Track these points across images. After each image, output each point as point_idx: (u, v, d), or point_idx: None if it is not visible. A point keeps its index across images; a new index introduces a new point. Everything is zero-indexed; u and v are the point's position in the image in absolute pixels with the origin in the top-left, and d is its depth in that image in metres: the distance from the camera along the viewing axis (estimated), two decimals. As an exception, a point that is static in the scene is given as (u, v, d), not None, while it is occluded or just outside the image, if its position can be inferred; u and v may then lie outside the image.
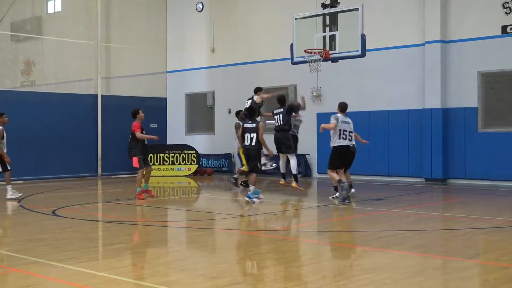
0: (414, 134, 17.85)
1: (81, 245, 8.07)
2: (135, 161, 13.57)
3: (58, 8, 23.22)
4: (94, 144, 21.03)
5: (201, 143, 22.74)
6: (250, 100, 14.97)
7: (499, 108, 16.67)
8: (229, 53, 22.36)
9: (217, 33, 22.66)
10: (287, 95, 20.53)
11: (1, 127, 13.39)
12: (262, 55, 21.25)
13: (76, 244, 8.18)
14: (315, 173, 19.83)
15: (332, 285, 5.96)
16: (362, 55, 14.07)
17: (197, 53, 23.32)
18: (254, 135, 12.57)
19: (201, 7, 23.10)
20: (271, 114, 14.40)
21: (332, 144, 12.51)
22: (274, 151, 13.68)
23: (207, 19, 22.91)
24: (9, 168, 13.50)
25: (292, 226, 10.19)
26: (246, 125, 12.84)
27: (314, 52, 14.52)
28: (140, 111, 14.10)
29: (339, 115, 12.45)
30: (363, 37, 13.82)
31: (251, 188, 12.72)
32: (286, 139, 13.51)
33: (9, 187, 13.55)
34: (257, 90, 15.14)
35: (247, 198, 12.63)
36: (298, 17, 15.14)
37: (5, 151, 13.47)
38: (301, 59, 14.95)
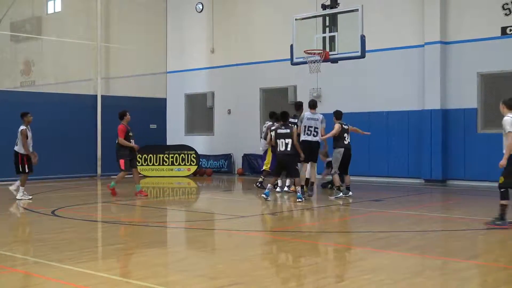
0: (414, 135, 17.86)
1: (81, 245, 8.07)
2: (122, 163, 13.79)
3: (58, 8, 23.22)
4: (94, 145, 21.01)
5: (201, 143, 22.75)
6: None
7: (498, 109, 16.55)
8: (229, 53, 22.37)
9: (217, 34, 22.66)
10: (287, 96, 20.56)
11: (24, 127, 13.30)
12: (262, 56, 21.25)
13: (75, 244, 8.19)
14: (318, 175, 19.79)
15: (332, 286, 5.96)
16: (362, 56, 14.08)
17: (197, 54, 23.33)
18: (289, 140, 12.71)
19: (201, 7, 23.11)
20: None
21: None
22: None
23: (207, 20, 22.92)
24: (26, 170, 13.28)
25: (291, 227, 10.19)
26: (279, 131, 12.92)
27: (314, 53, 14.52)
28: (128, 113, 14.17)
29: (307, 113, 13.32)
30: (362, 38, 13.83)
31: (298, 189, 12.84)
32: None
33: (17, 185, 13.47)
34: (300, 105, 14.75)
35: (298, 200, 12.60)
36: (298, 18, 15.14)
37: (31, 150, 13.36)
38: (301, 59, 14.95)
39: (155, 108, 23.06)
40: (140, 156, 21.25)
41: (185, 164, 21.25)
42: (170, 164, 21.29)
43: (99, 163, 20.97)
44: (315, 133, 13.22)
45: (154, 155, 21.28)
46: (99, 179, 20.50)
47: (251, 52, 21.64)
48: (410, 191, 15.52)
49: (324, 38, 14.65)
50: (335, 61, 15.12)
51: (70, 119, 20.47)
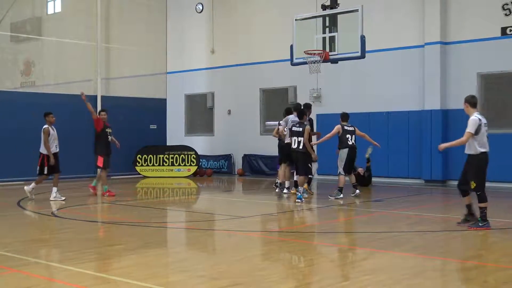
0: (414, 136, 17.87)
1: (81, 246, 8.07)
2: (100, 160, 13.80)
3: (58, 8, 23.22)
4: (94, 145, 20.96)
5: (201, 144, 22.75)
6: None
7: (498, 109, 16.68)
8: (229, 54, 22.37)
9: (217, 34, 22.67)
10: (287, 96, 20.57)
11: (47, 126, 13.26)
12: (262, 56, 21.26)
13: (76, 245, 8.19)
14: (315, 175, 19.78)
15: (332, 287, 5.96)
16: (362, 56, 14.09)
17: (197, 54, 23.33)
18: (301, 138, 12.90)
19: (201, 8, 23.12)
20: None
21: (286, 141, 13.75)
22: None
23: (207, 20, 22.92)
24: (45, 171, 13.20)
25: (292, 227, 10.19)
26: (294, 128, 13.09)
27: (314, 53, 14.53)
28: (102, 113, 14.55)
29: (291, 116, 13.64)
30: (363, 39, 13.84)
31: (300, 189, 12.90)
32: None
33: (32, 185, 13.39)
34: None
35: (297, 200, 12.70)
36: (298, 18, 15.15)
37: (54, 150, 13.18)
38: (301, 60, 14.96)
39: (155, 109, 23.05)
40: (140, 157, 21.27)
41: (185, 165, 21.26)
42: (170, 164, 21.29)
43: (99, 163, 20.93)
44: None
45: (154, 156, 21.29)
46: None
47: (251, 52, 21.65)
48: (411, 192, 15.52)
49: (324, 38, 14.65)
50: (335, 61, 15.12)
51: (70, 120, 20.44)
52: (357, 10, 13.87)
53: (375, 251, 7.70)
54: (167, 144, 23.14)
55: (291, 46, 15.21)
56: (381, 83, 18.55)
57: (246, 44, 21.82)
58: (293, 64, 15.49)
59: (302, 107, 13.78)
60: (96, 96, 21.26)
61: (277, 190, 14.51)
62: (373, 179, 16.82)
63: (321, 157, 18.94)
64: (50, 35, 22.38)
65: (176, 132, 23.63)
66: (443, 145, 9.66)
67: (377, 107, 18.53)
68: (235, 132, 21.99)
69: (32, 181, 13.68)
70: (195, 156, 21.26)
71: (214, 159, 22.35)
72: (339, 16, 14.50)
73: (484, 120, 9.17)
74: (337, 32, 14.44)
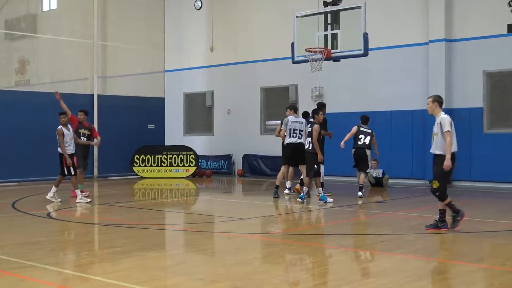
0: (418, 135, 17.87)
1: (77, 249, 8.07)
2: (75, 160, 13.79)
3: (54, 5, 23.22)
4: (90, 145, 20.98)
5: (200, 144, 22.75)
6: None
7: (505, 108, 16.68)
8: (228, 52, 22.38)
9: (216, 32, 22.67)
10: (288, 95, 20.57)
11: (60, 127, 13.24)
12: (263, 54, 21.26)
13: (71, 247, 8.19)
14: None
15: (333, 290, 5.97)
16: (365, 54, 14.09)
17: (196, 52, 23.33)
18: (308, 139, 13.18)
19: (200, 4, 23.12)
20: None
21: (285, 142, 13.80)
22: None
23: (206, 17, 22.93)
24: (66, 173, 13.07)
25: (293, 229, 10.20)
26: (309, 128, 13.40)
27: (316, 51, 14.53)
28: (80, 113, 14.35)
29: (291, 116, 13.69)
30: (365, 36, 13.83)
31: (305, 189, 13.09)
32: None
33: (52, 189, 13.27)
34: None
35: (299, 199, 12.92)
36: (299, 15, 15.14)
37: (69, 151, 13.11)
38: (302, 58, 14.95)
39: (153, 108, 23.08)
40: (138, 157, 21.28)
41: (183, 165, 21.27)
42: (168, 165, 21.30)
43: (95, 164, 20.96)
44: (300, 135, 13.62)
45: (152, 156, 21.29)
46: (96, 180, 20.52)
47: (251, 50, 21.65)
48: (414, 193, 15.52)
49: (326, 36, 14.65)
50: (337, 59, 15.11)
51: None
52: (359, 7, 13.87)
53: (378, 253, 7.70)
54: (165, 144, 23.15)
55: (292, 44, 15.20)
56: (384, 81, 18.55)
57: (246, 42, 21.82)
58: (294, 62, 15.48)
59: (314, 109, 13.83)
60: (92, 95, 21.28)
61: (286, 192, 14.42)
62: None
63: (328, 158, 18.95)
64: (45, 32, 22.40)
65: (174, 131, 23.64)
66: (448, 163, 9.03)
67: (380, 106, 18.54)
68: (235, 132, 21.99)
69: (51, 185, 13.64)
70: (194, 157, 21.27)
71: (214, 160, 22.35)
72: (341, 13, 14.50)
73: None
74: (339, 29, 14.43)
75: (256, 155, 21.32)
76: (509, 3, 16.51)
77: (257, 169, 21.26)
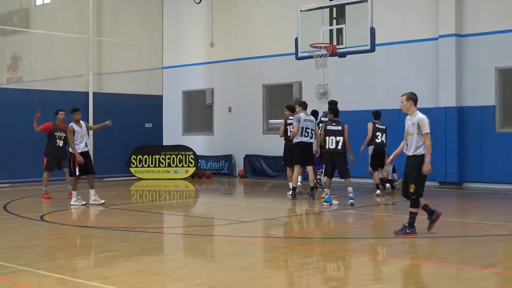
0: (427, 135, 17.82)
1: (72, 253, 8.08)
2: (44, 161, 13.98)
3: (47, -1, 23.27)
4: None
5: (200, 143, 22.77)
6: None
7: (518, 106, 16.67)
8: (229, 47, 22.38)
9: (216, 26, 22.68)
10: (291, 92, 20.57)
11: (71, 124, 13.24)
12: (265, 50, 21.26)
13: (66, 251, 8.20)
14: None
15: (339, 296, 5.97)
16: (372, 49, 14.09)
17: (195, 48, 23.35)
18: (340, 138, 12.93)
19: (200, -2, 23.14)
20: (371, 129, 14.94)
21: (294, 141, 13.64)
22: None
23: (206, 11, 22.94)
24: (77, 173, 13.08)
25: (297, 233, 10.20)
26: (329, 127, 13.15)
27: (320, 47, 14.54)
28: (60, 113, 14.43)
29: (302, 114, 13.66)
30: (372, 31, 13.83)
31: (327, 191, 13.06)
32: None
33: (74, 193, 13.25)
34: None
35: (325, 203, 12.83)
36: (303, 9, 15.15)
37: (80, 149, 13.04)
38: (307, 54, 14.97)
39: (151, 106, 23.09)
40: (135, 157, 21.30)
41: (182, 166, 21.28)
42: (166, 165, 21.31)
43: (91, 164, 20.97)
44: (311, 135, 13.69)
45: (150, 156, 21.31)
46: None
47: (253, 46, 21.65)
48: (424, 195, 15.46)
49: (331, 30, 14.66)
50: (342, 55, 15.13)
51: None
52: (366, 1, 13.87)
53: (386, 258, 7.70)
54: (164, 143, 23.17)
55: (296, 39, 15.21)
56: (391, 78, 18.52)
57: (248, 37, 21.82)
58: (298, 58, 15.49)
59: (335, 108, 13.75)
60: (87, 93, 21.30)
61: (311, 199, 13.88)
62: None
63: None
64: (38, 27, 22.41)
65: (173, 131, 23.65)
66: (428, 167, 9.09)
67: (388, 104, 18.47)
68: (236, 131, 22.00)
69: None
70: (193, 157, 21.28)
71: (214, 160, 22.37)
72: (347, 7, 14.51)
73: None
74: (345, 24, 14.45)
75: (258, 156, 21.32)
76: (522, -3, 16.50)
77: (259, 170, 21.26)
